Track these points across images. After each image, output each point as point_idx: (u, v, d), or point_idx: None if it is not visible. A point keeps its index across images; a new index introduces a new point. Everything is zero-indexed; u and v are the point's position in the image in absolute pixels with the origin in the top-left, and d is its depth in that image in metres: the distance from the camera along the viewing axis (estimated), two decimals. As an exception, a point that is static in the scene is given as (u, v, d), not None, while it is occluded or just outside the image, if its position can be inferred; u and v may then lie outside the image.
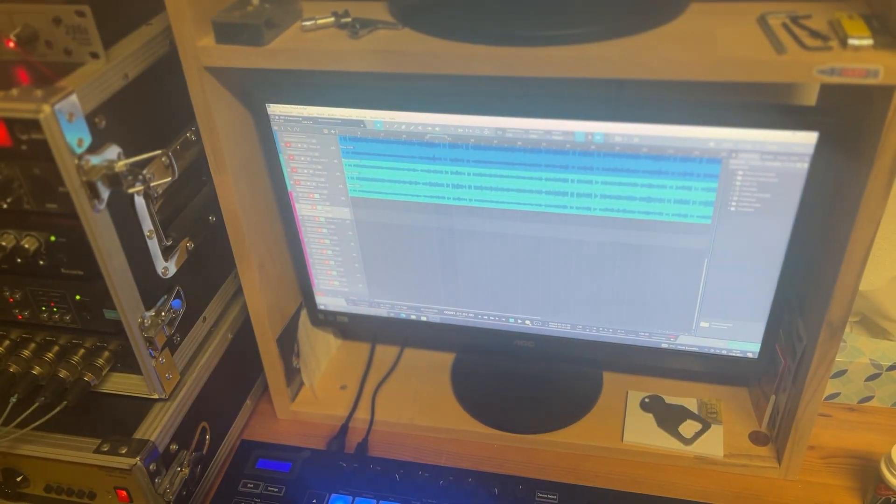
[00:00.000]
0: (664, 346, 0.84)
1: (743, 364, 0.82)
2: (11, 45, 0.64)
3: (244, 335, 0.89)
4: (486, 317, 0.87)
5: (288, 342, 0.91)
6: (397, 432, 0.90)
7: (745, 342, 0.81)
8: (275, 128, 0.77)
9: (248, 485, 0.79)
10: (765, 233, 0.72)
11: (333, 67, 0.66)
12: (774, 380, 0.83)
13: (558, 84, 0.65)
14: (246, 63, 0.67)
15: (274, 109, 0.76)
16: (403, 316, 0.90)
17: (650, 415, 0.88)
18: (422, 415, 0.91)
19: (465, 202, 0.77)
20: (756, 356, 0.81)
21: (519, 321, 0.87)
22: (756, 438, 0.85)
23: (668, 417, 0.88)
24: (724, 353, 0.82)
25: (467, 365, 0.98)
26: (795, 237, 0.71)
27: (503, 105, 0.70)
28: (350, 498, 0.77)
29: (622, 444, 0.86)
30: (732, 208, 0.71)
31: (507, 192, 0.76)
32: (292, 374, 0.94)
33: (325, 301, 0.92)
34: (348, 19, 0.67)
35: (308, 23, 0.68)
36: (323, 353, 0.99)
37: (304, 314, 0.94)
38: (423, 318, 0.90)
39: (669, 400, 0.90)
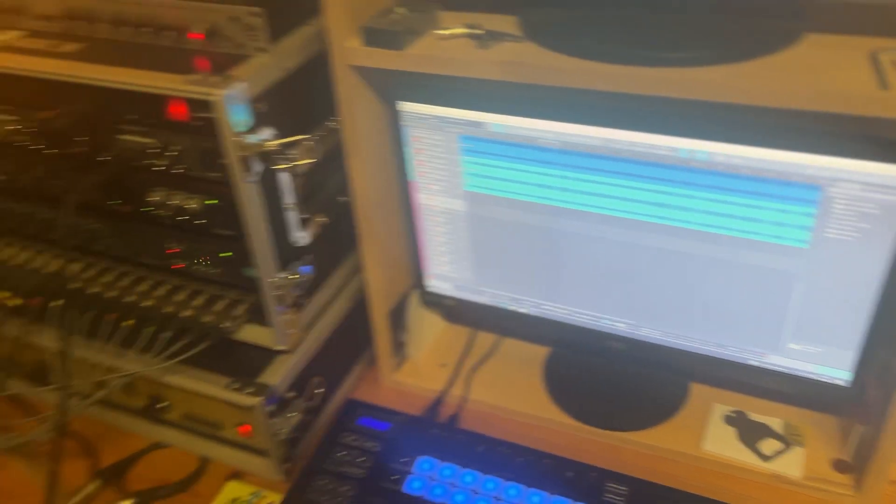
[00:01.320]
0: (752, 363, 0.86)
1: (832, 390, 0.83)
2: (197, 37, 0.76)
3: (360, 306, 0.99)
4: (581, 315, 0.93)
5: (398, 317, 1.00)
6: (487, 412, 0.97)
7: (836, 369, 0.82)
8: (405, 123, 0.86)
9: (349, 437, 0.89)
10: (862, 262, 0.73)
11: (460, 74, 0.74)
12: (863, 409, 0.83)
13: (667, 101, 0.70)
14: (385, 64, 0.76)
15: (406, 107, 0.85)
16: (504, 305, 0.97)
17: (733, 429, 0.91)
18: (511, 399, 0.98)
19: (570, 205, 0.83)
20: (846, 384, 0.82)
21: (612, 323, 0.91)
22: (837, 466, 0.86)
23: (750, 433, 0.90)
24: (813, 377, 0.84)
25: (561, 358, 1.03)
26: (894, 268, 0.72)
27: (613, 117, 0.76)
28: (437, 461, 0.85)
29: (700, 451, 0.89)
30: (830, 235, 0.73)
31: (610, 199, 0.81)
32: (399, 347, 1.03)
33: (434, 284, 1.00)
34: (479, 31, 0.75)
35: (443, 32, 0.76)
36: (428, 331, 1.08)
37: (415, 294, 1.02)
38: (523, 310, 0.96)
39: (754, 417, 0.92)
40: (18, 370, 0.99)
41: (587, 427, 0.94)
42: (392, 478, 0.84)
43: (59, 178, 0.84)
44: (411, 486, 0.83)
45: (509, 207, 0.87)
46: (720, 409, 0.93)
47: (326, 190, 0.88)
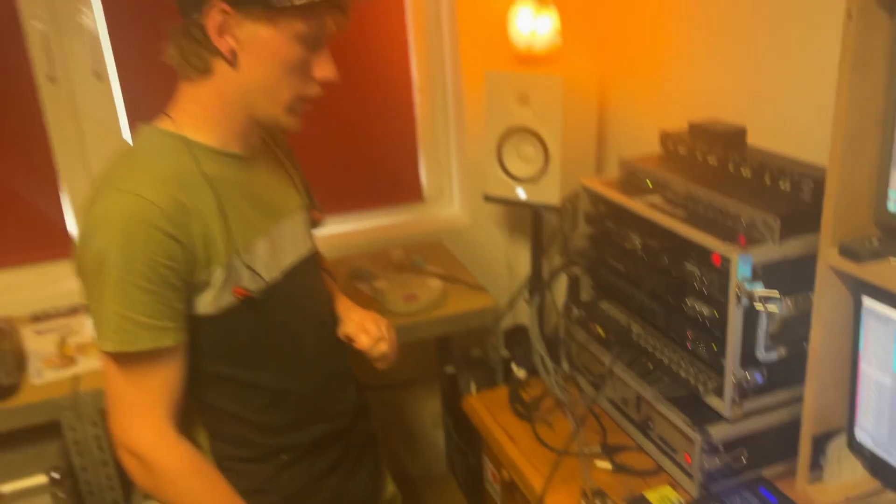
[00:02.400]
0: None
1: None
2: (742, 239, 1.34)
3: (795, 423, 1.39)
4: (961, 500, 1.16)
5: (822, 445, 1.37)
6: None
7: None
8: (863, 311, 1.26)
9: (746, 492, 1.33)
10: None
11: (891, 288, 1.13)
12: None
13: None
14: (847, 270, 1.20)
15: (866, 301, 1.26)
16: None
17: None
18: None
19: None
20: None
21: (985, 517, 1.12)
22: None
23: None
24: None
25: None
26: None
27: None
28: (792, 533, 1.23)
29: None
30: None
31: None
32: (816, 468, 1.39)
33: (858, 433, 1.34)
34: (917, 266, 1.13)
35: (894, 261, 1.17)
36: (847, 469, 1.39)
37: (842, 436, 1.37)
38: (919, 481, 1.23)
39: None
40: (584, 370, 1.71)
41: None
42: (757, 526, 1.26)
43: (644, 276, 1.51)
44: (767, 536, 1.24)
45: (921, 394, 1.19)
46: None
47: (793, 334, 1.34)
